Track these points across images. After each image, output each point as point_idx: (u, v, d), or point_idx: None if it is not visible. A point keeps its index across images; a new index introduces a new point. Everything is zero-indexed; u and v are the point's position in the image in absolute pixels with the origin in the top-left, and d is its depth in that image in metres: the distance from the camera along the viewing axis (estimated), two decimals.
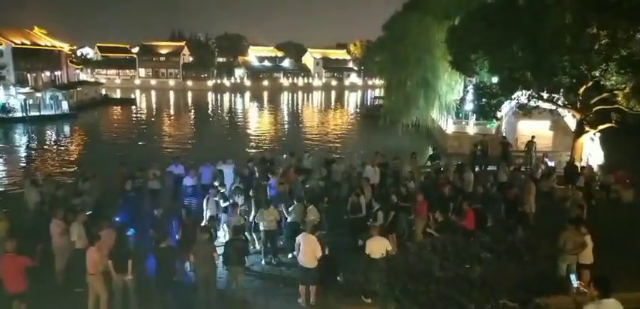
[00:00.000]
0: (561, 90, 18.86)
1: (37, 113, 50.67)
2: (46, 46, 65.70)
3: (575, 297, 6.47)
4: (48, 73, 64.00)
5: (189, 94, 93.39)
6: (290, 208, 11.75)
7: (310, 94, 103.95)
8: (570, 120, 23.28)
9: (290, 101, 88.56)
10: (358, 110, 69.46)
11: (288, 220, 11.77)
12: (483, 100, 22.17)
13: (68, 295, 9.28)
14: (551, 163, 19.45)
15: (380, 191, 14.84)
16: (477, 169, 19.72)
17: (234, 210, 11.43)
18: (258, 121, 59.11)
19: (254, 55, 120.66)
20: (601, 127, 18.64)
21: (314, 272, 9.16)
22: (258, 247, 11.76)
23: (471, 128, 31.64)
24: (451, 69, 25.64)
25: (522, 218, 12.14)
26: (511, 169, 17.48)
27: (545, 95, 19.61)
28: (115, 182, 14.35)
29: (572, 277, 6.42)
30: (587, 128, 18.94)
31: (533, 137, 21.93)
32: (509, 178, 15.97)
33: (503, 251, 8.37)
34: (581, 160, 19.56)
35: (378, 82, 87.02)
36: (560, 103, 19.85)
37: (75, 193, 13.18)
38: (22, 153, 36.80)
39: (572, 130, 21.29)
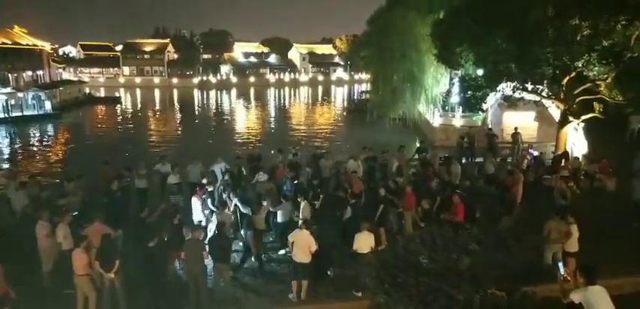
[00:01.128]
0: (545, 81, 19.08)
1: (20, 114, 49.86)
2: (27, 45, 64.45)
3: (561, 285, 6.58)
4: (30, 73, 62.83)
5: (175, 92, 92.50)
6: (279, 208, 11.66)
7: (297, 90, 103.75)
8: (555, 110, 23.59)
9: (277, 97, 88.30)
10: (345, 105, 69.54)
11: (278, 219, 11.70)
12: (469, 92, 22.37)
13: (56, 296, 9.17)
14: (535, 154, 19.72)
15: (368, 185, 14.90)
16: (464, 161, 19.92)
17: (221, 207, 11.36)
18: (245, 118, 58.83)
19: (240, 51, 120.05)
20: (584, 116, 18.91)
21: (307, 267, 9.18)
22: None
23: (458, 120, 31.91)
24: (437, 62, 25.83)
25: (509, 209, 12.30)
26: (498, 160, 17.68)
27: (529, 86, 19.83)
28: (100, 181, 14.18)
29: (559, 265, 6.53)
30: (570, 118, 19.21)
31: (516, 129, 22.21)
32: (496, 169, 16.13)
33: (491, 242, 8.51)
34: (565, 149, 19.84)
35: (364, 76, 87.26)
36: (544, 94, 20.09)
37: (60, 194, 13.01)
38: (5, 154, 36.13)
39: (557, 120, 21.58)
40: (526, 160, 18.08)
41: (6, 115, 48.44)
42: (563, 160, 17.97)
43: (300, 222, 9.80)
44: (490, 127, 26.75)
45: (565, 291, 6.39)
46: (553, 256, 9.55)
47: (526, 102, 21.89)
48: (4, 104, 49.17)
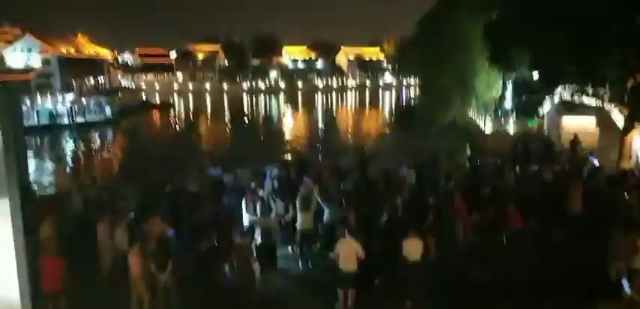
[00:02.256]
0: (608, 84, 18.02)
1: (83, 119, 52.83)
2: (89, 53, 68.50)
3: (627, 304, 6.13)
4: (92, 80, 66.67)
5: (225, 97, 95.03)
6: (325, 211, 11.65)
7: (344, 95, 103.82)
8: (618, 116, 22.21)
9: (324, 102, 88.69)
10: (393, 110, 68.80)
11: (324, 223, 11.69)
12: (523, 96, 21.48)
13: (112, 295, 9.56)
14: (596, 162, 18.61)
15: (417, 192, 14.58)
16: (517, 168, 19.11)
17: (268, 212, 11.49)
18: (293, 123, 59.47)
19: (288, 57, 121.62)
20: None
21: (353, 276, 9.05)
22: (295, 249, 11.78)
23: (511, 126, 30.71)
24: (489, 65, 25.01)
25: (568, 220, 11.65)
26: (555, 168, 16.82)
27: (589, 90, 18.81)
28: (153, 185, 14.70)
29: (625, 282, 6.07)
30: (636, 124, 18.01)
31: (575, 135, 21.06)
32: (554, 177, 15.34)
33: (548, 255, 8.09)
34: (630, 158, 18.62)
35: (413, 80, 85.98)
36: (606, 97, 18.97)
37: (118, 196, 13.59)
38: (69, 158, 38.43)
39: (620, 126, 20.30)
40: (586, 168, 17.08)
41: (70, 121, 51.48)
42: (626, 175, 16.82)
43: (345, 230, 9.68)
44: (547, 133, 25.56)
45: None
46: (618, 272, 8.92)
47: (586, 107, 20.76)
48: (69, 110, 52.30)
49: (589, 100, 19.74)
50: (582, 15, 15.87)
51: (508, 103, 30.63)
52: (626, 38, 14.93)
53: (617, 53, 15.47)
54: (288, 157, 22.77)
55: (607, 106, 20.39)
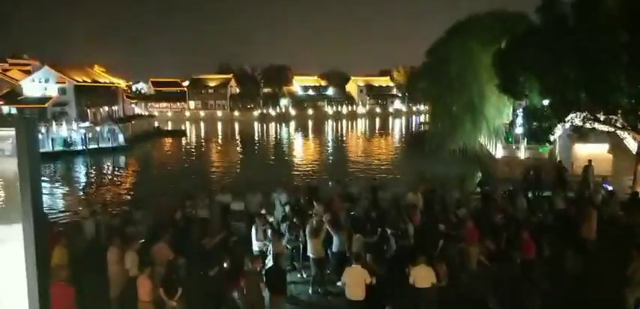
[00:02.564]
0: (619, 111, 17.87)
1: (96, 146, 53.58)
2: (104, 82, 69.90)
3: None
4: (106, 108, 67.91)
5: (236, 125, 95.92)
6: (335, 238, 11.57)
7: (355, 122, 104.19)
8: (631, 142, 21.96)
9: (335, 129, 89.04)
10: (403, 136, 68.78)
11: (334, 249, 11.61)
12: (534, 123, 21.36)
13: None
14: (610, 188, 18.33)
15: (427, 218, 14.47)
16: (529, 195, 18.89)
17: (278, 238, 11.45)
18: (303, 149, 59.68)
19: (299, 84, 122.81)
20: None
21: (361, 304, 8.93)
22: (304, 275, 11.70)
23: (522, 153, 30.47)
24: (499, 92, 25.00)
25: (583, 247, 11.44)
26: (568, 195, 16.61)
27: (601, 117, 18.65)
28: (163, 211, 14.76)
29: None
30: None
31: (590, 161, 20.82)
32: (567, 204, 15.15)
33: (564, 283, 7.92)
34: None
35: (422, 107, 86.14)
36: (618, 124, 18.80)
37: (129, 221, 13.67)
38: (82, 184, 38.87)
39: (634, 152, 20.04)
40: (600, 194, 16.83)
41: (84, 147, 52.31)
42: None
43: (353, 257, 9.59)
44: (559, 159, 25.33)
45: None
46: (636, 301, 8.70)
47: (599, 133, 20.57)
48: (83, 137, 53.18)
49: (601, 127, 19.53)
50: (592, 46, 15.90)
51: (519, 129, 30.45)
52: (635, 66, 14.89)
53: (626, 83, 15.42)
54: (298, 183, 22.82)
55: (620, 132, 20.15)
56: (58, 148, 50.99)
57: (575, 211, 13.82)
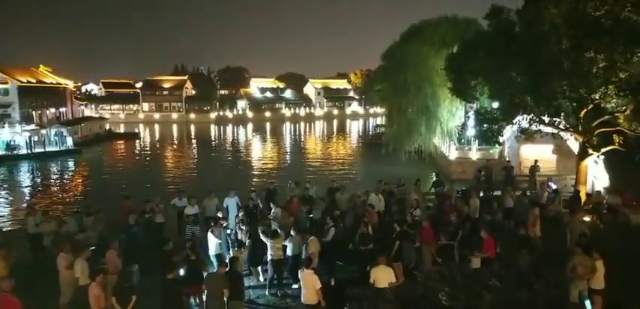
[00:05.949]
0: (562, 114, 18.86)
1: (42, 150, 51.05)
2: (51, 83, 66.60)
3: None
4: (53, 110, 64.74)
5: (192, 127, 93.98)
6: (288, 240, 11.47)
7: (312, 124, 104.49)
8: (574, 143, 23.23)
9: (292, 131, 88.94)
10: (360, 138, 69.63)
11: (288, 252, 11.52)
12: (485, 125, 22.17)
13: None
14: (555, 187, 19.32)
15: (385, 219, 14.73)
16: (481, 194, 19.59)
17: (235, 242, 11.32)
18: (261, 152, 59.24)
19: (256, 86, 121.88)
20: (604, 149, 18.54)
21: (316, 307, 8.95)
22: (261, 279, 11.62)
23: (474, 154, 31.59)
24: (451, 96, 25.79)
25: (529, 244, 11.98)
26: (516, 193, 17.36)
27: (546, 119, 19.62)
28: (121, 216, 14.29)
29: (587, 303, 6.27)
30: (590, 151, 18.85)
31: (536, 161, 21.88)
32: (515, 203, 15.84)
33: (513, 279, 8.29)
34: (585, 183, 19.42)
35: (379, 110, 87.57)
36: (561, 126, 19.83)
37: (78, 228, 13.13)
38: (26, 190, 36.86)
39: (576, 153, 21.21)
40: (546, 193, 17.73)
41: (29, 151, 49.67)
42: (580, 199, 17.54)
43: (304, 262, 9.58)
44: (508, 159, 26.46)
45: None
46: (579, 293, 9.21)
47: (544, 134, 21.61)
48: (27, 141, 50.47)
49: (546, 128, 20.56)
50: (536, 52, 16.71)
51: (471, 131, 31.53)
52: (577, 71, 15.75)
53: (568, 87, 16.29)
54: (256, 186, 22.64)
55: (564, 133, 21.26)
56: (1, 152, 48.25)
57: (522, 210, 14.48)
